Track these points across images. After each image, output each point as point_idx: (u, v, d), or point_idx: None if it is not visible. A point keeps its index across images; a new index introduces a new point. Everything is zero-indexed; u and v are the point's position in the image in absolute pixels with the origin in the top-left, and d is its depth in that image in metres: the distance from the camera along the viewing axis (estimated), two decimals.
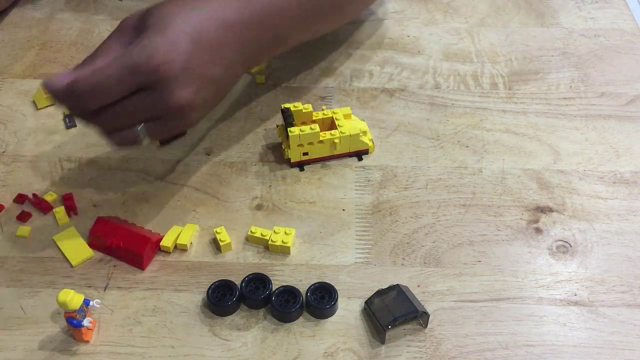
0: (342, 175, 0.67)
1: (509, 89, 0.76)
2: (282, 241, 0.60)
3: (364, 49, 0.81)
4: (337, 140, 0.67)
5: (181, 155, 0.69)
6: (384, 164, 0.68)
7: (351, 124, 0.68)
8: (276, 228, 0.61)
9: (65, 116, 0.72)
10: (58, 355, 0.54)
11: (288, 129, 0.65)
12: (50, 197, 0.65)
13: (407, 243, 0.62)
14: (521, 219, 0.64)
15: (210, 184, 0.67)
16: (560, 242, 0.62)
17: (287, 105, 0.67)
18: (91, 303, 0.55)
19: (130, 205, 0.65)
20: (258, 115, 0.73)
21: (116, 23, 0.84)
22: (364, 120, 0.70)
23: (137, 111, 0.54)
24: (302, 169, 0.68)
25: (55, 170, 0.68)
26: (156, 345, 0.55)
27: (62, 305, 0.52)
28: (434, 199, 0.65)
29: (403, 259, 0.61)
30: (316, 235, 0.62)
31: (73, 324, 0.53)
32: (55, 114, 0.73)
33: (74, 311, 0.53)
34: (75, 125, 0.72)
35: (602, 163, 0.69)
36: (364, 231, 0.63)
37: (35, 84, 0.76)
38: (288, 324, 0.56)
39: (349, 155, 0.69)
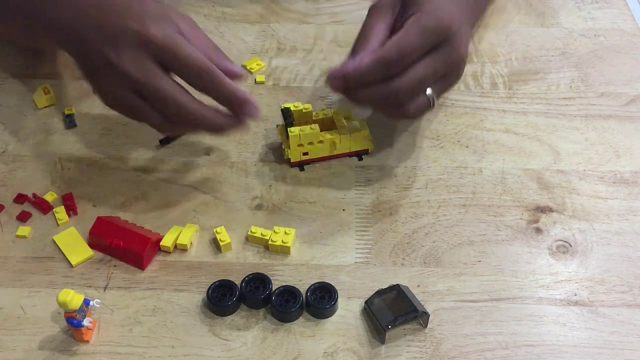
0: (342, 175, 0.67)
1: (509, 89, 0.76)
2: (282, 241, 0.60)
3: None
4: (337, 140, 0.67)
5: (181, 155, 0.69)
6: (384, 164, 0.68)
7: (351, 124, 0.68)
8: (276, 228, 0.61)
9: (66, 116, 0.73)
10: (58, 355, 0.54)
11: (288, 128, 0.65)
12: (50, 197, 0.65)
13: (407, 243, 0.62)
14: (521, 219, 0.64)
15: (210, 184, 0.67)
16: (560, 242, 0.62)
17: (287, 105, 0.67)
18: (91, 303, 0.55)
19: (130, 205, 0.65)
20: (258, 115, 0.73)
21: None
22: (364, 121, 0.70)
23: (432, 70, 0.59)
24: (302, 169, 0.68)
25: (55, 170, 0.68)
26: (156, 345, 0.55)
27: (62, 305, 0.52)
28: (434, 199, 0.65)
29: (403, 259, 0.61)
30: (316, 235, 0.62)
31: (73, 324, 0.53)
32: (55, 114, 0.73)
33: (74, 311, 0.53)
34: (75, 125, 0.72)
35: (602, 163, 0.69)
36: (364, 231, 0.63)
37: (35, 84, 0.76)
38: (288, 324, 0.56)
39: (349, 155, 0.69)
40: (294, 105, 0.67)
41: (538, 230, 0.63)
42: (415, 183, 0.67)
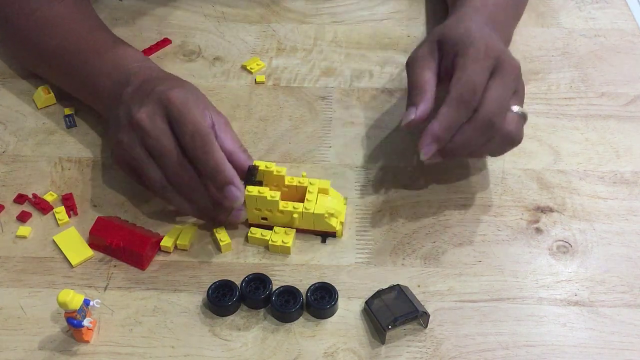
0: (342, 175, 0.67)
1: None
2: (282, 241, 0.60)
3: (364, 49, 0.81)
4: (296, 216, 0.60)
5: None
6: (384, 164, 0.68)
7: (324, 200, 0.60)
8: (276, 228, 0.61)
9: (65, 116, 0.73)
10: (58, 355, 0.54)
11: (247, 187, 0.59)
12: (50, 197, 0.65)
13: (407, 243, 0.62)
14: (521, 219, 0.64)
15: None
16: (561, 242, 0.62)
17: (259, 162, 0.60)
18: (91, 303, 0.55)
19: (130, 205, 0.65)
20: (258, 115, 0.73)
21: (116, 23, 0.84)
22: (345, 198, 0.64)
23: (506, 87, 0.59)
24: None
25: (55, 170, 0.68)
26: (156, 345, 0.55)
27: (62, 305, 0.52)
28: (434, 199, 0.65)
29: (403, 259, 0.61)
30: (316, 236, 0.62)
31: (73, 324, 0.53)
32: (55, 114, 0.73)
33: (74, 311, 0.53)
34: (75, 125, 0.72)
35: (602, 163, 0.69)
36: (364, 231, 0.63)
37: (35, 84, 0.76)
38: (288, 324, 0.56)
39: (314, 233, 0.62)
40: (266, 166, 0.60)
41: (538, 231, 0.63)
42: (416, 183, 0.67)
